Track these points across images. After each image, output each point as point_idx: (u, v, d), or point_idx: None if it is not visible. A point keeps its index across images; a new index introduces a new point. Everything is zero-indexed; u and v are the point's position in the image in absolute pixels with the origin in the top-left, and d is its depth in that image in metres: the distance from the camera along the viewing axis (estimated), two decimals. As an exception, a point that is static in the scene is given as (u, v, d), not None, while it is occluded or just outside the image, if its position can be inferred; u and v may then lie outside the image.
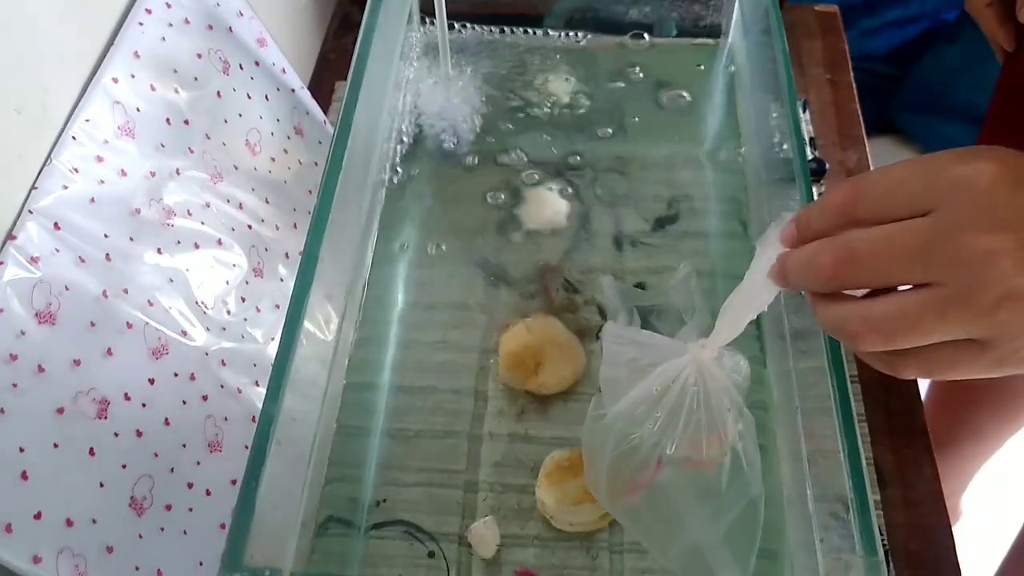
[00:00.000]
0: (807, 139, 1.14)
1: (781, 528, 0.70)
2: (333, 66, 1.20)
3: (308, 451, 0.68)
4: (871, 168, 1.12)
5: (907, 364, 0.43)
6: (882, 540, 0.84)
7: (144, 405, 0.65)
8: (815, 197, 0.72)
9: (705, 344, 0.63)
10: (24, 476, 0.55)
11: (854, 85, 1.20)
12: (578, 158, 0.98)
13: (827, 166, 1.11)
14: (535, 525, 0.76)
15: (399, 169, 0.95)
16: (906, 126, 2.07)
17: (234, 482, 0.71)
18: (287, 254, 0.85)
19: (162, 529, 0.64)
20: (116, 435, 0.62)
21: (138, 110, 0.70)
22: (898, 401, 0.92)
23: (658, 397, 0.63)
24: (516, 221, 0.93)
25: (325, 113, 0.98)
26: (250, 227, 0.80)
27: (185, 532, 0.66)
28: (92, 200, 0.64)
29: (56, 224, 0.61)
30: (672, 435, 0.62)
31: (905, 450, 0.89)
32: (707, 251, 0.91)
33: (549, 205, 0.93)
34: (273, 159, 0.85)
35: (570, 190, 0.95)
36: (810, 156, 1.12)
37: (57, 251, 0.61)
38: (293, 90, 0.90)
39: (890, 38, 2.00)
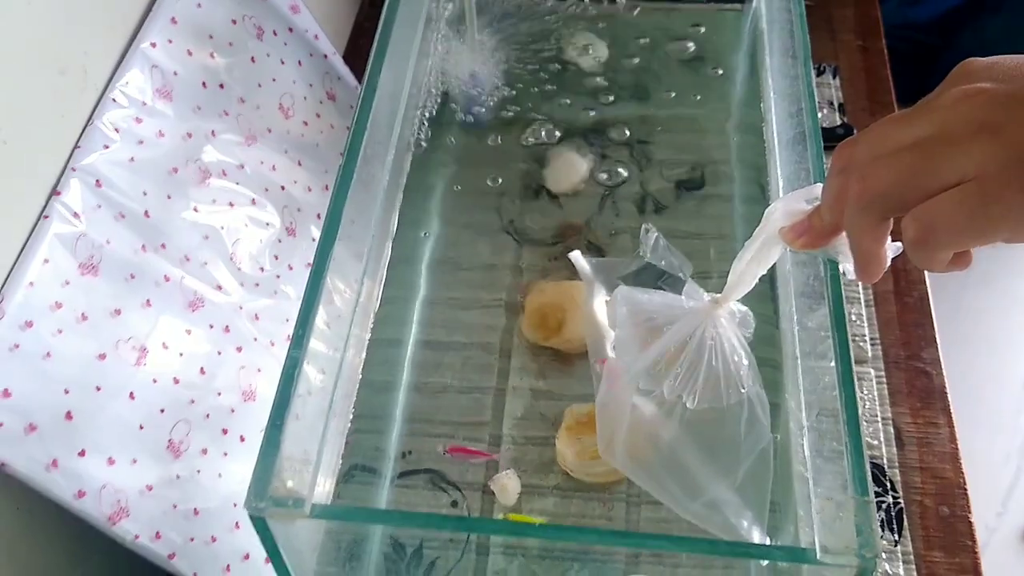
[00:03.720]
0: (836, 105, 1.14)
1: (788, 482, 0.72)
2: (368, 34, 1.22)
3: (329, 400, 0.71)
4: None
5: (907, 226, 0.43)
6: (896, 498, 0.86)
7: (181, 354, 0.68)
8: (824, 162, 0.73)
9: (717, 299, 0.65)
10: (69, 416, 0.59)
11: (886, 52, 1.20)
12: (603, 122, 0.99)
13: (855, 131, 1.11)
14: (555, 476, 0.79)
15: (426, 132, 0.97)
16: (943, 93, 2.05)
17: (267, 430, 0.74)
18: (319, 215, 0.87)
19: (198, 471, 0.68)
20: (155, 381, 0.65)
21: (175, 74, 0.73)
22: (918, 363, 0.93)
23: (675, 353, 0.65)
24: (541, 184, 0.95)
25: (360, 80, 1.01)
26: (283, 188, 0.83)
27: (220, 475, 0.70)
28: (132, 159, 0.67)
29: (98, 181, 0.65)
30: (693, 388, 0.64)
31: (924, 412, 0.90)
32: (729, 215, 0.93)
33: (574, 168, 0.95)
34: (306, 123, 0.88)
35: (594, 154, 0.97)
36: (839, 122, 1.13)
37: (99, 207, 0.64)
38: (326, 56, 0.93)
39: (932, 8, 1.97)
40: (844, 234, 0.50)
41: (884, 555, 0.83)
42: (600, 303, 0.81)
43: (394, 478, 0.79)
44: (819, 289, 0.64)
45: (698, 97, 1.02)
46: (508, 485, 0.77)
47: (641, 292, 0.69)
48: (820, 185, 0.53)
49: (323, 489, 0.76)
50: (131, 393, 0.63)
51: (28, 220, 0.60)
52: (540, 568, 0.76)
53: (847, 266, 0.51)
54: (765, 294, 0.82)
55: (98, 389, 0.61)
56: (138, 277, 0.66)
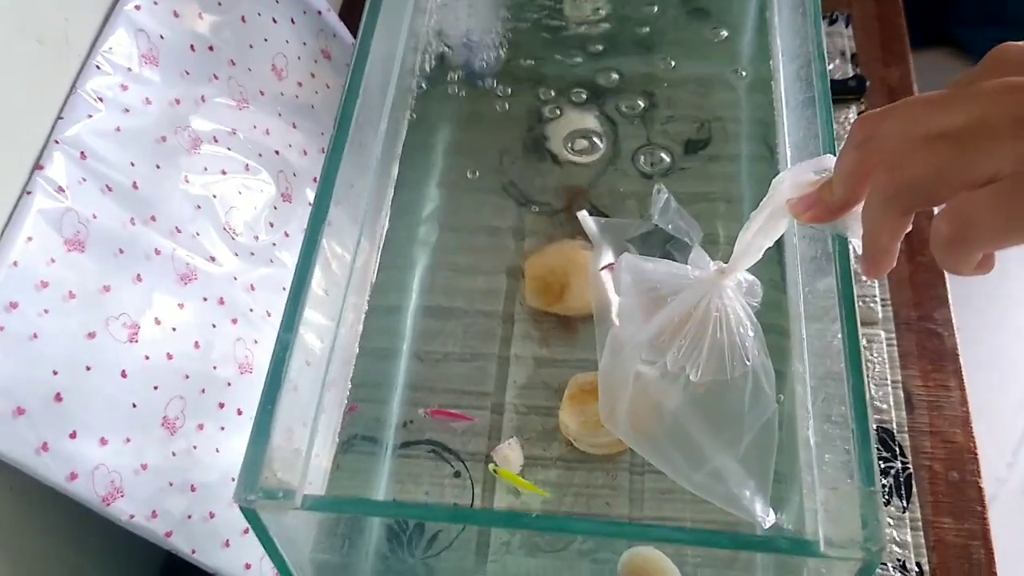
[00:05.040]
0: (848, 55, 1.11)
1: (794, 450, 0.71)
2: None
3: (323, 372, 0.69)
4: (914, 85, 1.09)
5: (939, 225, 0.40)
6: (905, 464, 0.85)
7: (174, 329, 0.66)
8: (832, 121, 0.70)
9: (724, 269, 0.63)
10: (58, 398, 0.58)
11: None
12: (608, 80, 0.96)
13: (868, 83, 1.07)
14: (558, 447, 0.78)
15: (423, 92, 0.94)
16: (961, 38, 2.01)
17: (265, 402, 0.73)
18: (315, 179, 0.85)
19: (194, 447, 0.67)
20: (147, 358, 0.64)
21: (161, 37, 0.70)
22: (929, 324, 0.91)
23: (680, 324, 0.64)
24: (544, 145, 0.93)
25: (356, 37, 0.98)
26: (277, 153, 0.81)
27: (217, 450, 0.69)
28: (117, 129, 0.65)
29: (82, 153, 0.63)
30: (697, 360, 0.63)
31: (935, 374, 0.89)
32: (736, 176, 0.90)
33: (577, 129, 0.92)
34: (300, 84, 0.86)
35: (599, 113, 0.94)
36: (851, 73, 1.09)
37: (84, 180, 0.62)
38: (320, 12, 0.90)
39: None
40: (854, 209, 0.48)
41: (892, 521, 0.82)
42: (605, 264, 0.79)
43: (395, 448, 0.78)
44: (826, 266, 0.62)
45: (705, 53, 0.98)
46: (510, 455, 0.76)
47: (646, 260, 0.67)
48: (831, 156, 0.51)
49: (321, 462, 0.75)
50: (123, 371, 0.62)
51: (10, 197, 0.58)
52: (544, 539, 0.75)
53: (856, 242, 0.49)
54: (772, 258, 0.80)
55: (88, 369, 0.60)
56: (127, 252, 0.64)
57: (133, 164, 0.66)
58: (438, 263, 0.87)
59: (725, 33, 0.99)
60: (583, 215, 0.80)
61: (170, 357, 0.66)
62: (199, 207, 0.71)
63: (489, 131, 0.94)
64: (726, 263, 0.63)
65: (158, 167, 0.68)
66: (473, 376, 0.81)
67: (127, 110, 0.66)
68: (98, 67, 0.65)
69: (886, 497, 0.82)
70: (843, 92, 1.06)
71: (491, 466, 0.76)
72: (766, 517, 0.65)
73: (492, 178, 0.91)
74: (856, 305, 0.55)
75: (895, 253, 0.44)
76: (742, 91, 0.96)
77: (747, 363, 0.64)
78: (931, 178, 0.39)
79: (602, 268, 0.77)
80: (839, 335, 0.59)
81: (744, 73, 0.96)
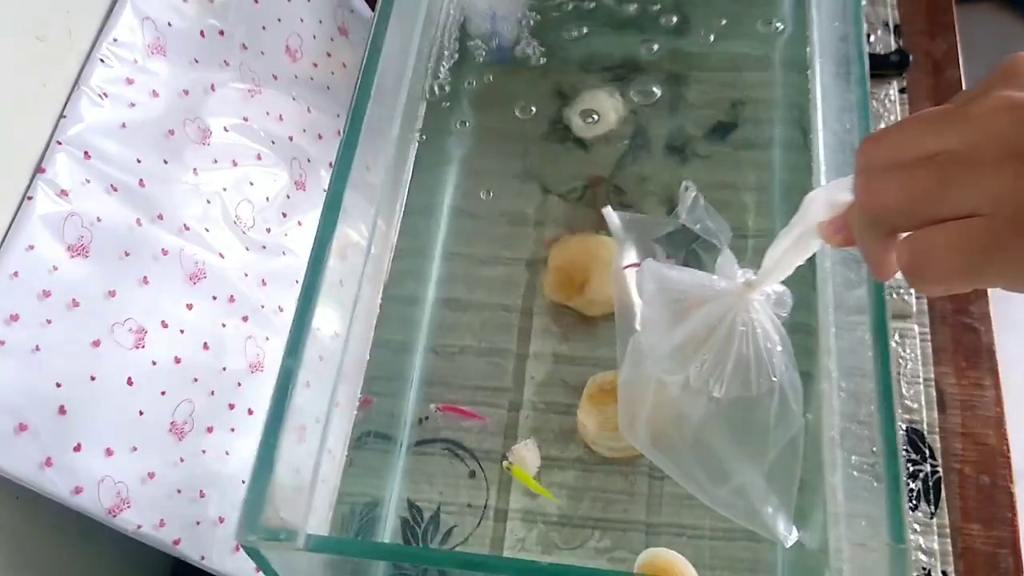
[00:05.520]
0: (891, 26, 1.05)
1: (818, 465, 0.68)
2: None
3: (338, 365, 0.68)
4: (959, 60, 1.04)
5: (899, 252, 0.39)
6: (934, 467, 0.82)
7: (182, 331, 0.65)
8: (869, 99, 0.66)
9: (751, 283, 0.60)
10: (62, 411, 0.57)
11: (948, -35, 1.10)
12: (634, 59, 0.92)
13: (911, 58, 1.02)
14: (575, 448, 0.76)
15: (443, 72, 0.91)
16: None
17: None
18: (331, 164, 0.83)
19: (204, 451, 0.66)
20: (154, 363, 0.63)
21: (169, 25, 0.67)
22: (966, 318, 0.87)
23: (704, 337, 0.61)
24: (567, 128, 0.89)
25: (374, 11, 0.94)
26: (291, 139, 0.78)
27: (227, 453, 0.68)
28: (123, 125, 0.63)
29: (86, 153, 0.60)
30: (721, 375, 0.61)
31: (969, 372, 0.86)
32: (767, 162, 0.86)
33: (601, 111, 0.88)
34: (315, 64, 0.82)
35: (624, 94, 0.90)
36: (894, 46, 1.04)
37: (88, 181, 0.60)
38: (337, -14, 0.86)
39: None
40: None
41: (918, 528, 0.80)
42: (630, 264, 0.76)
43: (410, 446, 0.77)
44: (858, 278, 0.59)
45: (739, 31, 0.94)
46: (527, 456, 0.75)
47: (670, 268, 0.65)
48: None
49: (333, 461, 0.74)
50: (129, 379, 0.61)
51: (10, 204, 0.56)
52: (560, 536, 0.74)
53: None
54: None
55: (92, 379, 0.59)
56: (133, 254, 0.62)
57: (139, 161, 0.64)
58: (456, 251, 0.84)
59: (763, 8, 0.94)
60: (608, 211, 0.77)
61: (178, 361, 0.64)
62: (208, 201, 0.69)
63: (509, 113, 0.90)
64: (755, 271, 0.61)
65: (165, 162, 0.66)
66: (490, 371, 0.79)
67: (133, 104, 0.64)
68: (102, 60, 0.63)
69: (914, 502, 0.80)
70: (884, 67, 1.01)
71: (505, 463, 0.74)
72: (788, 535, 0.63)
73: (514, 161, 0.88)
74: (889, 344, 0.52)
75: (892, 265, 0.41)
76: (776, 69, 0.91)
77: (773, 379, 0.62)
78: (906, 205, 0.37)
79: (625, 267, 0.75)
80: (871, 357, 0.57)
81: (780, 53, 0.92)
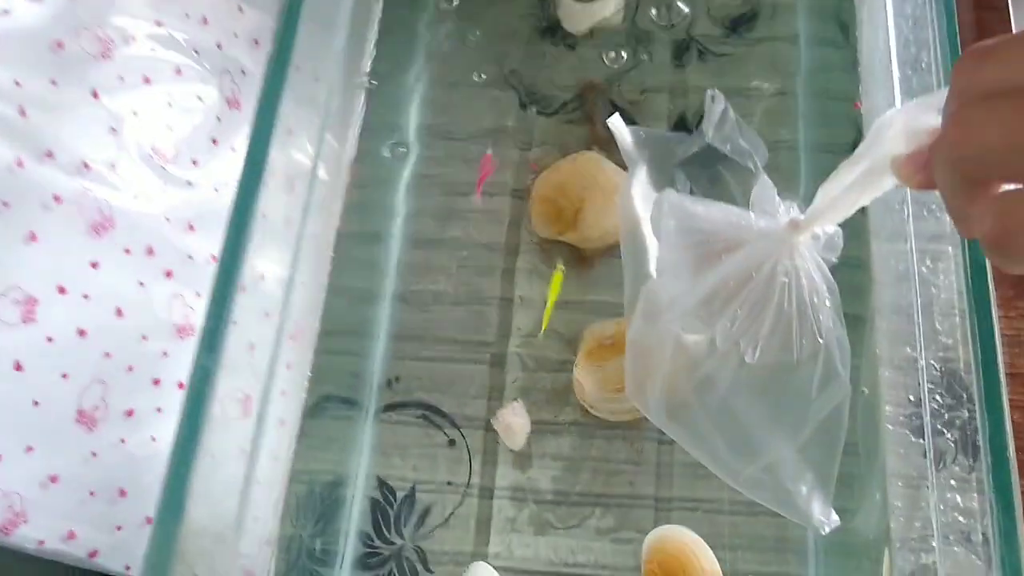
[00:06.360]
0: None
1: (875, 442, 0.58)
2: None
3: (279, 319, 0.56)
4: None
5: (984, 215, 0.31)
6: (972, 410, 0.72)
7: (86, 297, 0.52)
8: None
9: (799, 223, 0.48)
10: (-75, 414, 0.44)
11: None
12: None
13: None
14: (571, 411, 0.66)
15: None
16: None
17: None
18: (271, 75, 0.69)
19: (122, 441, 0.54)
20: (50, 340, 0.50)
21: (48, -100, 0.52)
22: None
23: (736, 289, 0.51)
24: (556, 24, 0.75)
25: None
26: (219, 46, 0.64)
27: (153, 438, 0.56)
28: (-9, 36, 0.49)
29: (-60, 74, 0.46)
30: (755, 336, 0.51)
31: (1017, 302, 0.76)
32: (793, 64, 0.73)
33: (597, 1, 0.74)
34: (246, -50, 0.67)
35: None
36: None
37: (-55, 112, 0.46)
38: None
39: None
40: None
41: (955, 484, 0.70)
42: (643, 192, 0.63)
43: (378, 411, 0.66)
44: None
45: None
46: (515, 423, 0.64)
47: (696, 201, 0.53)
48: None
49: (284, 431, 0.63)
50: (16, 363, 0.49)
51: None
52: (555, 515, 0.64)
53: None
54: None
55: (-35, 368, 0.46)
56: (14, 204, 0.49)
57: (18, 84, 0.50)
58: (425, 178, 0.72)
59: None
60: (616, 122, 0.64)
61: (82, 334, 0.52)
62: (114, 131, 0.55)
63: (489, 6, 0.76)
64: (798, 205, 0.50)
65: (54, 84, 0.52)
66: (470, 322, 0.68)
67: (7, 12, 0.50)
68: (-45, -51, 0.48)
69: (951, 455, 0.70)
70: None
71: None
72: (826, 520, 0.53)
73: (491, 68, 0.75)
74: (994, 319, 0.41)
75: (981, 218, 0.32)
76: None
77: (819, 340, 0.51)
78: (1002, 150, 0.30)
79: (636, 193, 0.62)
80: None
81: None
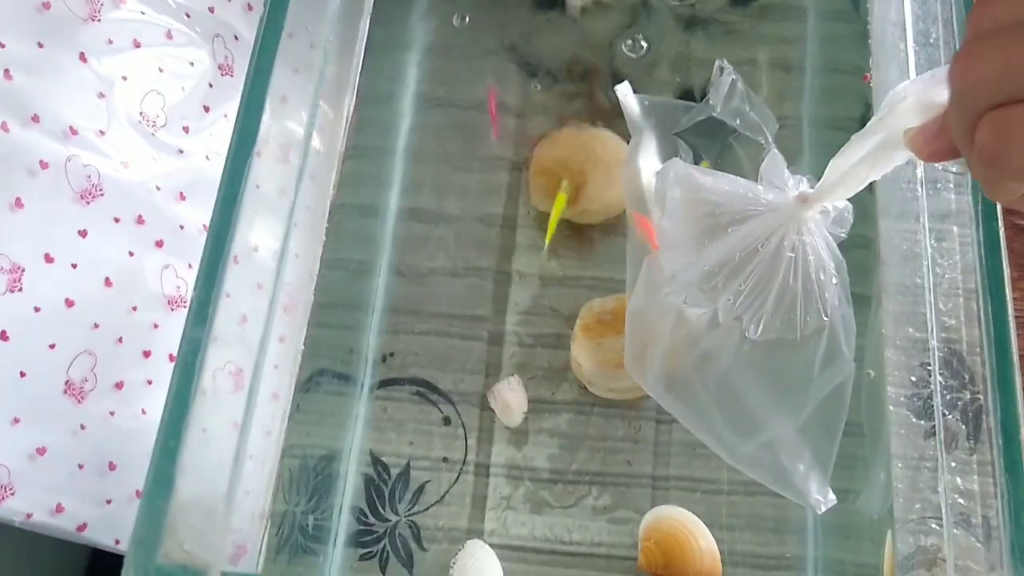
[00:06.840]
0: None
1: (879, 423, 0.57)
2: None
3: (272, 291, 0.55)
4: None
5: (981, 129, 0.31)
6: (975, 393, 0.71)
7: (74, 266, 0.51)
8: None
9: (808, 197, 0.47)
10: (-93, 382, 0.43)
11: None
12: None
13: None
14: (569, 389, 0.65)
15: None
16: None
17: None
18: (265, 41, 0.67)
19: (111, 413, 0.53)
20: (37, 310, 0.49)
21: None
22: (1018, 218, 0.75)
23: (741, 263, 0.50)
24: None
25: None
26: (211, 10, 0.62)
27: (144, 411, 0.55)
28: (-26, -6, 0.47)
29: (-79, 33, 0.45)
30: (759, 311, 0.51)
31: (1022, 284, 0.75)
32: (801, 36, 0.72)
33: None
34: (241, -90, 0.66)
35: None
36: None
37: (-75, 73, 0.45)
38: None
39: None
40: None
41: (955, 466, 0.70)
42: (649, 162, 0.62)
43: (372, 387, 0.65)
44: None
45: None
46: (511, 400, 0.63)
47: (703, 173, 0.52)
48: None
49: (277, 406, 0.62)
50: (2, 332, 0.47)
51: None
52: (551, 493, 0.63)
53: None
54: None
55: (-51, 339, 0.45)
56: (-1, 169, 0.48)
57: (3, 45, 0.48)
58: (424, 150, 0.70)
59: None
60: (623, 88, 0.62)
61: (70, 304, 0.51)
62: (102, 95, 0.54)
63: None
64: (808, 179, 0.49)
65: (40, 46, 0.51)
66: (466, 296, 0.67)
67: (-13, -35, 0.48)
68: (-63, -97, 0.46)
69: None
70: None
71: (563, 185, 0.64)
72: (823, 499, 0.52)
73: (491, 38, 0.73)
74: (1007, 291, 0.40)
75: (979, 136, 0.32)
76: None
77: (824, 318, 0.50)
78: (1008, 74, 0.30)
79: (641, 161, 0.60)
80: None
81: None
